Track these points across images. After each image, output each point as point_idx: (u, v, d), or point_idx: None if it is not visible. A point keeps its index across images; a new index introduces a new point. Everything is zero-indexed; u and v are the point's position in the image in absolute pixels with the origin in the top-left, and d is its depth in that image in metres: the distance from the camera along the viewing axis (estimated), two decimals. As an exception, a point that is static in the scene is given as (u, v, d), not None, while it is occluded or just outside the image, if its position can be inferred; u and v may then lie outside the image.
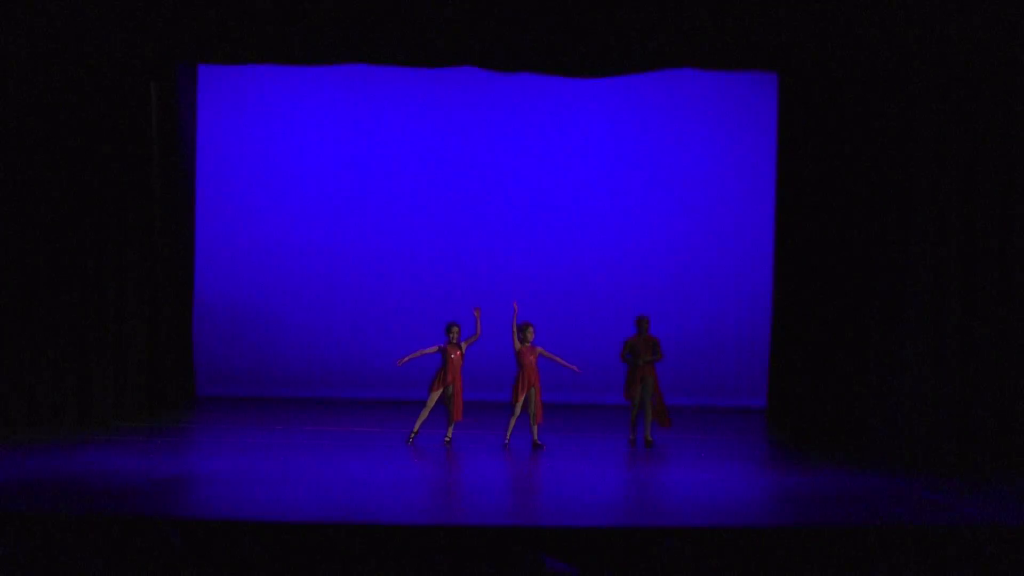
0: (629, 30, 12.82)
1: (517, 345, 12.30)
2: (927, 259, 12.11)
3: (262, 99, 16.44)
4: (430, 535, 8.24)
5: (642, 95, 16.32)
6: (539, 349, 12.35)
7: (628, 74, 13.61)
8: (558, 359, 12.33)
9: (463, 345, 12.41)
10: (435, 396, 12.33)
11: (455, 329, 12.45)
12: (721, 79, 15.57)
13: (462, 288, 16.11)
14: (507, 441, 12.31)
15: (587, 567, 7.87)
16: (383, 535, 8.22)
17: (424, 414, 12.41)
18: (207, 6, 12.89)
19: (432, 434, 12.63)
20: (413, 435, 12.42)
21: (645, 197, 16.47)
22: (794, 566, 8.14)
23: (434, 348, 12.47)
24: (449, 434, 12.41)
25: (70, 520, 8.26)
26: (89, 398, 13.78)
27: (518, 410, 12.31)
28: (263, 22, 12.84)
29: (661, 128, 16.51)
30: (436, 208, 16.50)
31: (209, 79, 16.13)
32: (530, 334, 12.33)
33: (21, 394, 13.15)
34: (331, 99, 16.45)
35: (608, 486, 10.74)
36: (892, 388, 12.28)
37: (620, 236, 16.46)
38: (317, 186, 16.48)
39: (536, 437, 12.29)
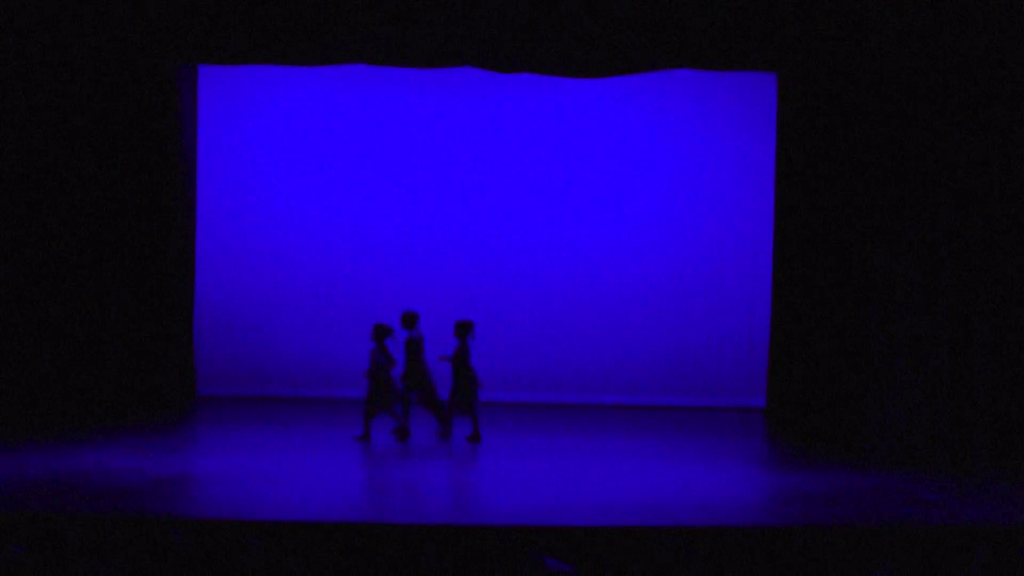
0: (628, 30, 12.83)
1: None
2: (923, 258, 12.12)
3: (262, 99, 16.42)
4: (431, 535, 8.24)
5: (641, 95, 16.30)
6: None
7: (627, 74, 13.61)
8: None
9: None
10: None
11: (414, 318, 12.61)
12: (720, 79, 15.55)
13: (461, 287, 16.10)
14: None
15: (587, 567, 7.88)
16: (383, 535, 8.23)
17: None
18: (207, 6, 12.89)
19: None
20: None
21: (644, 197, 16.45)
22: (794, 566, 8.15)
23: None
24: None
25: (70, 520, 8.27)
26: (89, 398, 13.80)
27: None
28: (263, 22, 12.85)
29: (660, 128, 16.48)
30: (435, 208, 16.48)
31: (209, 79, 16.14)
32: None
33: (21, 394, 13.15)
34: (331, 99, 16.43)
35: (607, 486, 10.74)
36: (891, 387, 12.29)
37: (619, 236, 16.43)
38: (317, 186, 16.46)
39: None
